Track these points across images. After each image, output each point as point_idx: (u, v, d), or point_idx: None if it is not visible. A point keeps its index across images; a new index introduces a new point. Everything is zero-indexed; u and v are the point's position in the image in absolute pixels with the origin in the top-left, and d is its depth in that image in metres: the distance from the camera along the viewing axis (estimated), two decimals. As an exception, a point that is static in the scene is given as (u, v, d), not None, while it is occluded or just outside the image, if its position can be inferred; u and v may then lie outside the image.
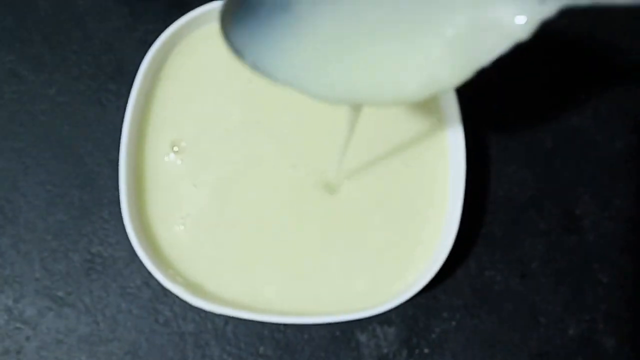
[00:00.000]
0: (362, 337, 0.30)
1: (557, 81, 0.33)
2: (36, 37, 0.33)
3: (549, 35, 0.33)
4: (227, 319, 0.30)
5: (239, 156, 0.29)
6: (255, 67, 0.19)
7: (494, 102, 0.32)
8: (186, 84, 0.30)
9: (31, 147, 0.32)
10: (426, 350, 0.30)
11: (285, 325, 0.30)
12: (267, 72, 0.19)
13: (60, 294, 0.30)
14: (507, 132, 0.32)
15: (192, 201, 0.29)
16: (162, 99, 0.30)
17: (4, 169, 0.32)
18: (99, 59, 0.33)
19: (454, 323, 0.30)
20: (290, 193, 0.29)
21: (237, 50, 0.19)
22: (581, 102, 0.32)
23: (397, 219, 0.29)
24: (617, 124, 0.32)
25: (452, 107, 0.29)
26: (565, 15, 0.18)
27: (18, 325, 0.30)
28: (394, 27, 0.19)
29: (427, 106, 0.30)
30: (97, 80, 0.33)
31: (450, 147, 0.29)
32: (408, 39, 0.19)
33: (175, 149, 0.30)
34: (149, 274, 0.30)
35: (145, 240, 0.28)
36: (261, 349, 0.30)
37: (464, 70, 0.19)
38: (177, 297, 0.29)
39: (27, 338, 0.30)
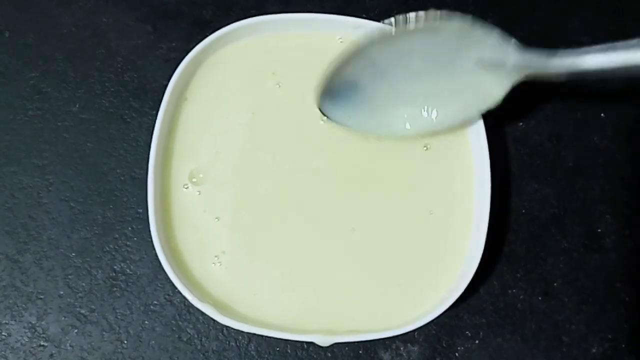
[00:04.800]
0: (386, 356, 0.30)
1: (579, 101, 0.33)
2: (59, 54, 0.34)
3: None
4: (250, 337, 0.30)
5: (258, 182, 0.30)
6: (336, 121, 0.30)
7: (518, 121, 0.32)
8: (209, 103, 0.30)
9: (54, 164, 0.32)
10: (449, 369, 0.30)
11: (308, 343, 0.30)
12: (344, 123, 0.30)
13: (83, 311, 0.30)
14: (530, 150, 0.32)
15: (214, 227, 0.29)
16: (186, 121, 0.30)
17: (28, 185, 0.32)
18: (121, 76, 0.33)
19: (477, 342, 0.30)
20: (313, 216, 0.29)
21: (325, 114, 0.30)
22: (602, 121, 0.33)
23: (422, 238, 0.29)
24: (637, 142, 0.32)
25: (477, 126, 0.29)
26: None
27: (42, 342, 0.30)
28: (423, 92, 0.29)
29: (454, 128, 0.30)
30: (119, 98, 0.33)
31: (475, 166, 0.29)
32: (429, 102, 0.29)
33: (194, 180, 0.30)
34: (173, 291, 0.30)
35: (172, 259, 0.28)
36: (284, 367, 0.30)
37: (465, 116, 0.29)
38: (201, 314, 0.29)
39: (51, 356, 0.30)
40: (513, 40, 0.27)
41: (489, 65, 0.28)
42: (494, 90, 0.28)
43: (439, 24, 0.27)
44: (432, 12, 0.27)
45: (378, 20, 0.31)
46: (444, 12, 0.27)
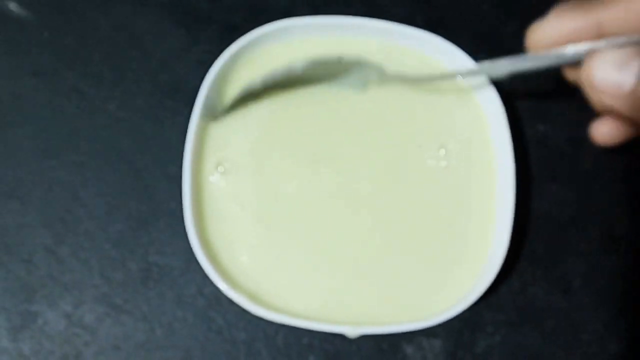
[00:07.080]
0: (409, 349, 0.31)
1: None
2: (96, 55, 0.35)
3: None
4: (278, 328, 0.31)
5: (282, 175, 0.31)
6: None
7: (538, 124, 0.34)
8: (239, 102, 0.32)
9: (91, 160, 0.33)
10: (470, 364, 0.31)
11: (334, 335, 0.31)
12: None
13: (118, 301, 0.31)
14: (550, 153, 0.33)
15: (240, 219, 0.30)
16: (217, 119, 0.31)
17: (66, 181, 0.33)
18: (156, 77, 0.34)
19: (498, 338, 0.31)
20: (336, 209, 0.30)
21: None
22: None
23: (445, 235, 0.30)
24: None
25: (501, 128, 0.30)
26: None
27: (77, 330, 0.31)
28: None
29: (476, 127, 0.31)
30: (154, 98, 0.34)
31: (499, 166, 0.31)
32: None
33: (221, 169, 0.31)
34: (204, 282, 0.31)
35: (206, 251, 0.29)
36: (310, 358, 0.31)
37: None
38: (230, 305, 0.30)
39: (86, 343, 0.31)
40: None
41: None
42: None
43: None
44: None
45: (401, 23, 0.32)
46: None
